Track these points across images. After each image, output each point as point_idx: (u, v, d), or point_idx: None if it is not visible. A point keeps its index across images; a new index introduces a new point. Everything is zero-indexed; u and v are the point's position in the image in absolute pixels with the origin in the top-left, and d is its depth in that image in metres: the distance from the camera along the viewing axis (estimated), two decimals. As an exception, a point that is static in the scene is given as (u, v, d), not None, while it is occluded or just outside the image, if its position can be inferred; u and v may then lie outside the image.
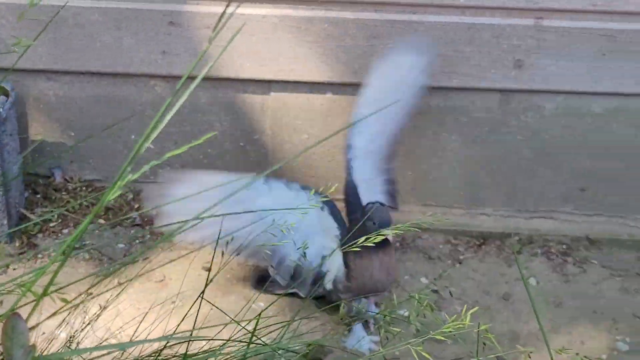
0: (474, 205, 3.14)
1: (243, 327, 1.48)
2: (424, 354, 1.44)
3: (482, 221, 3.12)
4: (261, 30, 2.86)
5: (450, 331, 1.46)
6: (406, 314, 2.73)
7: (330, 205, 2.58)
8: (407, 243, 3.08)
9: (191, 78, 2.81)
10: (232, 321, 1.49)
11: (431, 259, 3.02)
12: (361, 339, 2.60)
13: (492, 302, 2.86)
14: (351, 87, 2.93)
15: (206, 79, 2.93)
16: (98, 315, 2.00)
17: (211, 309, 1.74)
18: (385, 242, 2.50)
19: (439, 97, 2.97)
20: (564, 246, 3.10)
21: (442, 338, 1.45)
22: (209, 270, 2.85)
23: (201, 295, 1.44)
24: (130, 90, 3.01)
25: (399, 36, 2.87)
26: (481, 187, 3.11)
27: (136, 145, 1.06)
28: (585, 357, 1.43)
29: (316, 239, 2.55)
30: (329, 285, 2.60)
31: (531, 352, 1.47)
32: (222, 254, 1.98)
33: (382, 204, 2.54)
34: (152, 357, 1.43)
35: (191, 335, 1.37)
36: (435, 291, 2.88)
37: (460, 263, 3.02)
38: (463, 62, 2.89)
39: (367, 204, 2.55)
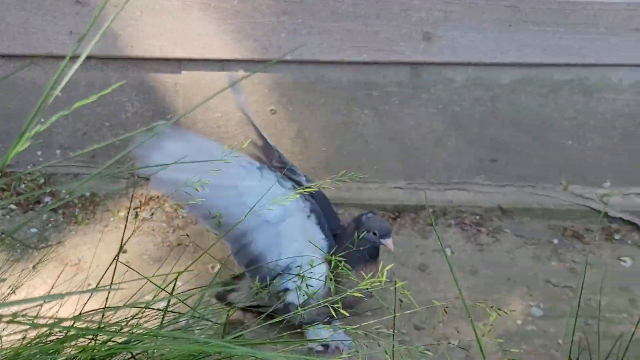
0: (388, 179, 3.16)
1: (162, 289, 1.47)
2: (340, 310, 1.45)
3: (396, 194, 3.15)
4: (171, 8, 2.83)
5: (367, 288, 1.47)
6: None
7: (317, 214, 2.41)
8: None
9: (101, 59, 2.79)
10: (149, 281, 1.48)
11: (347, 233, 3.04)
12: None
13: (408, 273, 2.89)
14: (262, 64, 2.93)
15: (116, 58, 2.91)
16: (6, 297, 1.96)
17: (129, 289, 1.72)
18: (377, 254, 2.43)
19: (349, 72, 2.98)
20: (477, 217, 3.15)
21: (359, 295, 1.46)
22: (125, 251, 2.84)
23: (116, 258, 1.42)
24: (37, 72, 2.96)
25: (308, 14, 2.87)
26: (394, 160, 3.13)
27: (28, 124, 1.04)
28: (499, 309, 1.46)
29: (293, 246, 2.37)
30: (293, 299, 2.37)
31: (447, 307, 1.49)
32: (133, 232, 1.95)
33: (374, 213, 2.47)
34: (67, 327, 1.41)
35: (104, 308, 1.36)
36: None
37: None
38: (372, 36, 2.90)
39: (362, 215, 2.46)
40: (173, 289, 1.29)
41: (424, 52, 2.94)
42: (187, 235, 2.91)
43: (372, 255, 2.37)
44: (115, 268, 1.63)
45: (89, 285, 2.63)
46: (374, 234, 2.35)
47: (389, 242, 2.36)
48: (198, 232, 2.97)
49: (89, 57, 2.92)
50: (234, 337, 1.37)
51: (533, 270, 2.97)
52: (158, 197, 3.08)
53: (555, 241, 3.10)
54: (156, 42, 2.88)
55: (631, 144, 3.13)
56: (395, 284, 1.50)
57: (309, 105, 3.02)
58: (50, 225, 2.98)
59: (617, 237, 3.14)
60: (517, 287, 2.88)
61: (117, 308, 1.25)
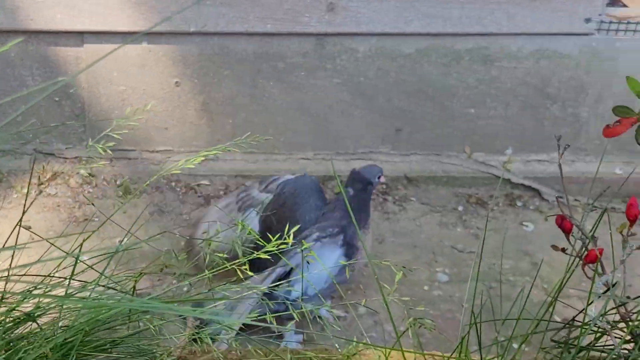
0: (295, 150, 3.17)
1: (68, 254, 1.45)
2: (247, 271, 1.47)
3: (304, 165, 3.16)
4: (70, -20, 2.79)
5: (275, 251, 1.49)
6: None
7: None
8: (230, 190, 3.09)
9: (5, 32, 2.72)
10: (52, 245, 1.46)
11: (255, 205, 3.05)
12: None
13: (316, 242, 2.92)
14: (166, 36, 2.90)
15: (16, 32, 2.85)
16: None
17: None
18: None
19: (255, 43, 2.98)
20: (384, 186, 3.18)
21: (267, 257, 1.48)
22: (29, 228, 2.79)
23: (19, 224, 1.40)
24: None
25: (212, -17, 2.86)
26: (301, 132, 3.14)
27: None
28: (404, 267, 1.49)
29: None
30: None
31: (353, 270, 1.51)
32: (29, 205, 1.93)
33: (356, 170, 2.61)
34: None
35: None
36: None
37: (284, 207, 3.06)
38: (277, 6, 2.90)
39: (351, 171, 2.61)
40: (77, 258, 1.28)
41: (328, 23, 2.95)
42: (93, 204, 2.88)
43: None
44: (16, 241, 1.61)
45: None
46: (378, 178, 2.60)
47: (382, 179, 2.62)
48: (104, 207, 2.94)
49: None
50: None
51: (439, 237, 3.03)
52: (62, 172, 3.04)
53: (460, 208, 3.16)
54: (56, 15, 2.83)
55: (531, 111, 3.20)
56: (302, 247, 1.52)
57: (214, 77, 3.01)
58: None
59: (519, 203, 3.22)
60: (423, 254, 2.93)
61: (27, 266, 1.24)
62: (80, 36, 2.90)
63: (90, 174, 3.05)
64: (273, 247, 1.50)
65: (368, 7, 2.94)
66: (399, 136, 3.19)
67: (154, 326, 1.29)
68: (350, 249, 2.48)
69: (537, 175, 3.23)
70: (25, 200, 1.98)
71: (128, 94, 2.99)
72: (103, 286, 1.48)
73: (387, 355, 1.59)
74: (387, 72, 3.08)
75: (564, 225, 1.21)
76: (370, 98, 3.12)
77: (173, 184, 3.08)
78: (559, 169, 1.24)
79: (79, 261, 1.25)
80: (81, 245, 1.34)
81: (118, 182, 3.04)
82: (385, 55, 3.05)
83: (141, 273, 1.39)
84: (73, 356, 1.12)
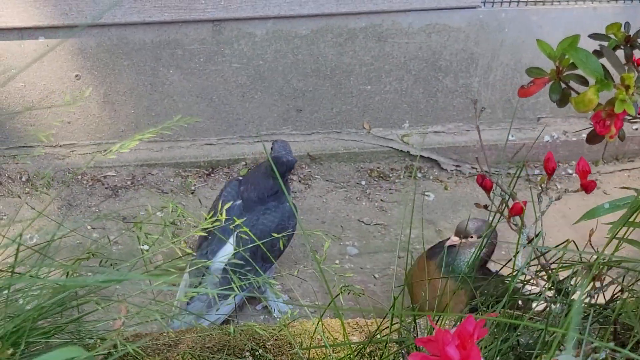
0: (199, 136, 3.21)
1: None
2: (185, 249, 1.51)
3: (209, 151, 3.20)
4: (-38, -23, 2.76)
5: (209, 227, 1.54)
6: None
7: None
8: (137, 180, 3.11)
9: None
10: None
11: (164, 192, 3.07)
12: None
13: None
14: (63, 30, 2.90)
15: None
16: None
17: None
18: None
19: (152, 32, 3.00)
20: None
21: (204, 234, 1.53)
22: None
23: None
24: None
25: (106, -26, 2.86)
26: (203, 117, 3.18)
27: None
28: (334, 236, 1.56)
29: None
30: None
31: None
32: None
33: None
34: None
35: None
36: (173, 223, 2.94)
37: (192, 193, 3.09)
38: (173, -5, 2.93)
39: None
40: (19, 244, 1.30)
41: (225, 9, 2.99)
42: None
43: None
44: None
45: None
46: (288, 156, 2.59)
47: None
48: (11, 205, 2.93)
49: None
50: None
51: (345, 211, 3.11)
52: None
53: (363, 182, 3.25)
54: (-50, 14, 2.80)
55: (425, 85, 3.31)
56: (234, 223, 1.58)
57: (114, 68, 3.02)
58: None
59: (419, 174, 3.33)
60: (332, 229, 3.01)
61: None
62: (-26, 34, 2.88)
63: (-6, 173, 3.02)
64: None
65: (260, -9, 2.99)
66: (300, 116, 3.26)
67: (94, 310, 1.33)
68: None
69: (434, 146, 3.35)
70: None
71: (28, 90, 2.98)
72: (36, 277, 1.50)
73: (316, 324, 1.66)
74: (285, 54, 3.14)
75: (485, 183, 1.29)
76: (269, 80, 3.17)
77: (79, 177, 3.08)
78: (478, 133, 1.32)
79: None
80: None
81: (23, 179, 3.03)
82: (282, 37, 3.11)
83: (78, 259, 1.42)
84: (22, 343, 1.15)
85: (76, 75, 3.00)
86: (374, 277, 2.84)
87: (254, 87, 3.17)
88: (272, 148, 2.62)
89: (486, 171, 1.29)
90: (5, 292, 1.21)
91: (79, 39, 2.95)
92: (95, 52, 2.98)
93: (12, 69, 2.93)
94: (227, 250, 2.43)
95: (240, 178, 2.67)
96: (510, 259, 1.32)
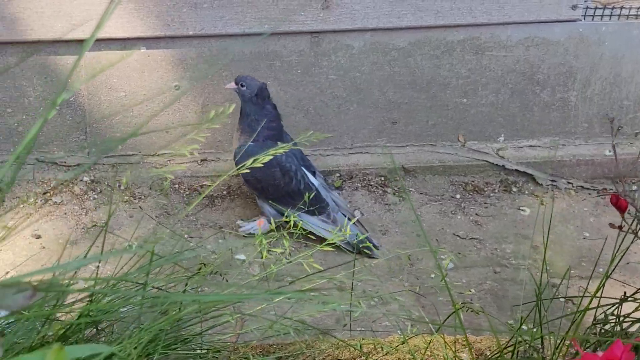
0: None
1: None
2: (313, 264, 1.51)
3: (303, 161, 3.21)
4: (69, -11, 2.81)
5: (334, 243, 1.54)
6: (242, 257, 2.82)
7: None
8: (233, 190, 3.13)
9: (4, 44, 2.75)
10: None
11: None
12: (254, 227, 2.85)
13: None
14: (164, 41, 2.94)
15: (15, 43, 2.87)
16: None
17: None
18: None
19: (251, 44, 3.02)
20: (382, 178, 3.24)
21: (330, 249, 1.53)
22: (39, 237, 2.81)
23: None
24: None
25: (207, -14, 2.89)
26: (298, 128, 3.18)
27: None
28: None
29: None
30: None
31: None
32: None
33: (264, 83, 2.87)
34: None
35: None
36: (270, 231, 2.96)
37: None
38: (273, 6, 2.95)
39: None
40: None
41: (323, 21, 3.00)
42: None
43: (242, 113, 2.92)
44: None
45: (7, 273, 2.60)
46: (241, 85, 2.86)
47: (229, 85, 2.88)
48: (110, 212, 2.97)
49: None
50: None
51: (440, 225, 3.09)
52: (67, 180, 3.06)
53: (458, 196, 3.22)
54: (56, 24, 2.85)
55: (521, 99, 3.27)
56: (357, 237, 1.57)
57: (212, 78, 3.05)
58: (-44, 215, 2.93)
59: (514, 188, 3.29)
60: (427, 242, 2.98)
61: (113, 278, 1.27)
62: (79, 44, 2.92)
63: (93, 181, 3.07)
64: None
65: (362, 4, 2.99)
66: (394, 128, 3.25)
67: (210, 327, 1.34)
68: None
69: (530, 161, 3.31)
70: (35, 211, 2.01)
71: (128, 99, 3.02)
72: (157, 288, 1.52)
73: (428, 342, 1.65)
74: (381, 66, 3.14)
75: (620, 203, 1.27)
76: (365, 92, 3.17)
77: (176, 186, 3.11)
78: (613, 151, 1.29)
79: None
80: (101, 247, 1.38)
81: (122, 187, 3.07)
82: (379, 49, 3.11)
83: (200, 269, 1.43)
84: (157, 353, 1.16)
85: (175, 86, 3.03)
86: (471, 291, 2.81)
87: (350, 99, 3.17)
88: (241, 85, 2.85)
89: (620, 191, 1.26)
90: (137, 302, 1.22)
91: (180, 49, 2.98)
92: (195, 62, 3.01)
93: (114, 78, 2.98)
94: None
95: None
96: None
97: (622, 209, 1.26)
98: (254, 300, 1.57)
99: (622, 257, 1.42)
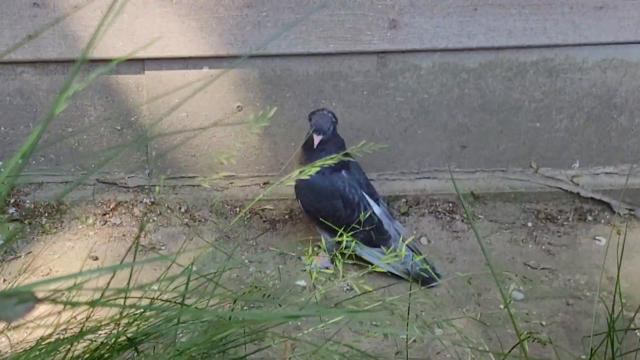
0: (359, 171, 3.12)
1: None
2: (364, 286, 1.42)
3: (369, 186, 3.11)
4: (131, 6, 2.76)
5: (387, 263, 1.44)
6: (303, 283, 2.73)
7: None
8: (295, 214, 3.05)
9: (61, 62, 2.71)
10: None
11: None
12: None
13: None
14: (227, 60, 2.87)
15: (77, 61, 2.82)
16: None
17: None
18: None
19: (316, 63, 2.94)
20: (450, 204, 3.13)
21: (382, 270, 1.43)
22: (96, 259, 2.76)
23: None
24: (-6, 79, 2.88)
25: (273, 6, 2.82)
26: (364, 152, 3.09)
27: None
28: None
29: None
30: None
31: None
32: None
33: (328, 111, 2.77)
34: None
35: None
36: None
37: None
38: (338, 25, 2.87)
39: (317, 110, 2.78)
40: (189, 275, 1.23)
41: (390, 41, 2.91)
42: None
43: (309, 145, 2.75)
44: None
45: (63, 294, 2.54)
46: (311, 126, 2.71)
47: (315, 138, 2.70)
48: (170, 235, 2.91)
49: (47, 62, 2.85)
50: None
51: (510, 254, 2.96)
52: (126, 202, 3.01)
53: (530, 224, 3.09)
54: (118, 42, 2.81)
55: (598, 123, 3.13)
56: (412, 259, 1.47)
57: (276, 99, 2.97)
58: (17, 236, 2.89)
59: (589, 217, 3.15)
60: (495, 272, 2.85)
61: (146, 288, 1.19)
62: (140, 63, 2.88)
63: (154, 202, 3.01)
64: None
65: (431, 23, 2.89)
66: (464, 153, 3.13)
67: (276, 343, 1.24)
68: None
69: (606, 188, 3.16)
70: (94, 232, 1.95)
71: (190, 120, 2.96)
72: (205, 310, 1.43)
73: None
74: (451, 88, 3.03)
75: None
76: (433, 115, 3.06)
77: (237, 209, 3.04)
78: None
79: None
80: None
81: (182, 210, 3.01)
82: (449, 70, 3.00)
83: (252, 289, 1.33)
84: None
85: (238, 107, 2.97)
86: (541, 324, 2.67)
87: (417, 122, 3.06)
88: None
89: None
90: (174, 324, 1.13)
91: (242, 69, 2.92)
92: (258, 83, 2.94)
93: (176, 98, 2.93)
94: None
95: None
96: None
97: None
98: (304, 322, 1.47)
99: None
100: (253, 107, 2.97)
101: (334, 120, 2.72)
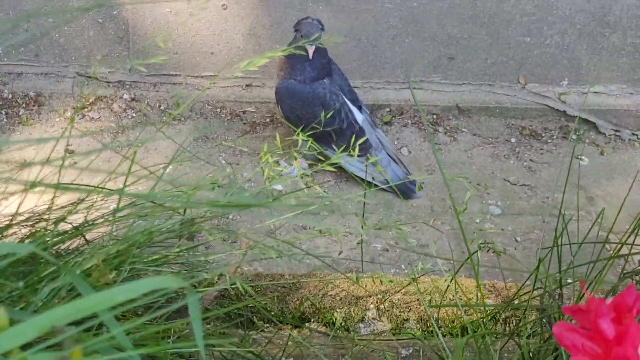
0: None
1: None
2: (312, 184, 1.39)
3: (353, 93, 3.07)
4: None
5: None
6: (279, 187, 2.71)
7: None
8: (276, 118, 3.01)
9: None
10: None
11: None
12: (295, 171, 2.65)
13: (365, 172, 2.83)
14: (213, -44, 2.81)
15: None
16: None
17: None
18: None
19: (304, -36, 2.88)
20: (434, 116, 3.09)
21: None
22: (72, 152, 2.74)
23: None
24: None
25: None
26: (350, 59, 3.04)
27: None
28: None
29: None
30: None
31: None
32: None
33: (313, 19, 2.68)
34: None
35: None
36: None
37: (332, 136, 2.97)
38: None
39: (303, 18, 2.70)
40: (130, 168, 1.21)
41: (381, -56, 2.83)
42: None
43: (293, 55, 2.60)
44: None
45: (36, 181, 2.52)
46: (301, 36, 2.61)
47: (309, 49, 2.60)
48: (148, 132, 2.88)
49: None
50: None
51: (491, 168, 2.93)
52: (106, 97, 2.97)
53: (513, 140, 3.06)
54: None
55: (589, 41, 3.08)
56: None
57: (262, 0, 2.91)
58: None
59: (574, 136, 3.11)
60: (475, 187, 2.83)
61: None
62: (125, -46, 2.81)
63: (133, 99, 2.97)
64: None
65: None
66: (451, 65, 3.08)
67: (207, 242, 1.22)
68: None
69: (594, 108, 3.12)
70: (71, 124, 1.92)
71: (172, 16, 2.90)
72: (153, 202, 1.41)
73: (449, 282, 1.52)
74: (441, -3, 2.96)
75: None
76: (422, 24, 3.00)
77: (218, 110, 3.00)
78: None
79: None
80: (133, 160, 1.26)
81: (162, 108, 2.97)
82: (440, -21, 2.93)
83: (195, 187, 1.31)
84: (126, 270, 1.05)
85: (223, 5, 2.91)
86: (516, 240, 2.66)
87: (406, 30, 3.00)
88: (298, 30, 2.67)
89: None
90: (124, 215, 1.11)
91: (229, -34, 2.85)
92: (244, -19, 2.88)
93: (159, -7, 2.87)
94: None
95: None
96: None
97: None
98: (255, 215, 1.45)
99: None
100: (238, 6, 2.91)
101: (321, 28, 2.66)
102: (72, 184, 1.55)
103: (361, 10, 2.95)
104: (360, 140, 2.69)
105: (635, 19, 3.02)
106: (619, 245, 1.42)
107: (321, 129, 2.59)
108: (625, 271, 1.49)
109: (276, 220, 1.34)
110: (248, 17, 2.94)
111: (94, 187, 1.26)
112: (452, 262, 2.30)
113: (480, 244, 1.54)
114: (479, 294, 1.44)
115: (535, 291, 1.28)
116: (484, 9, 2.99)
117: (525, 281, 1.36)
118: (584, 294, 0.99)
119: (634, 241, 1.39)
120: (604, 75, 3.13)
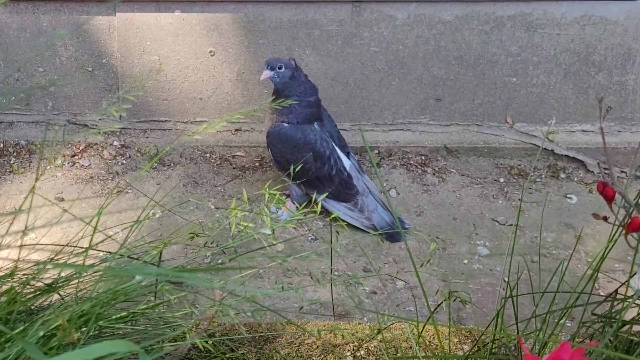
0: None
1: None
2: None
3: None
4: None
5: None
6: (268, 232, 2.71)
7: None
8: (266, 162, 3.04)
9: (32, 1, 2.66)
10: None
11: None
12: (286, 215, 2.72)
13: (353, 215, 2.85)
14: (200, 4, 2.84)
15: (47, 0, 2.80)
16: None
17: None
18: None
19: (290, 10, 2.91)
20: (423, 157, 3.11)
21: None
22: (62, 200, 2.76)
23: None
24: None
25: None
26: (337, 101, 3.07)
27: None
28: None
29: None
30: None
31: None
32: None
33: (292, 59, 2.70)
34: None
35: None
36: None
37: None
38: (312, -27, 2.83)
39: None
40: (95, 227, 1.22)
41: (366, -10, 2.87)
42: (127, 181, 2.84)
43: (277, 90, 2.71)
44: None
45: (27, 235, 2.54)
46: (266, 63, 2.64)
47: (264, 72, 2.63)
48: (137, 178, 2.90)
49: (18, 0, 2.82)
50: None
51: (479, 209, 2.94)
52: (96, 144, 3.00)
53: (502, 180, 3.07)
54: (88, -17, 2.78)
55: (575, 80, 3.10)
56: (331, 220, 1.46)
57: (249, 46, 2.94)
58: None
59: (562, 174, 3.12)
60: (463, 227, 2.84)
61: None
62: (112, 5, 2.85)
63: (123, 145, 3.00)
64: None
65: (406, -27, 2.85)
66: (438, 106, 3.11)
67: (174, 298, 1.23)
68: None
69: (582, 146, 3.13)
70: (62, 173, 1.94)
71: (162, 63, 2.94)
72: (127, 257, 1.43)
73: (419, 330, 1.53)
74: (426, 40, 2.99)
75: (606, 192, 1.13)
76: (408, 67, 3.03)
77: (207, 155, 3.03)
78: (602, 135, 1.15)
79: (96, 231, 1.19)
80: (99, 212, 1.28)
81: (152, 154, 3.00)
82: (424, 22, 2.96)
83: (165, 243, 1.33)
84: (90, 329, 1.07)
85: (210, 52, 2.94)
86: (504, 280, 2.67)
87: (392, 73, 3.04)
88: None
89: (609, 176, 1.12)
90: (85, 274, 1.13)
91: (215, 14, 2.89)
92: (231, 28, 2.91)
93: (148, 41, 2.90)
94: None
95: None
96: (625, 282, 1.15)
97: (608, 198, 1.12)
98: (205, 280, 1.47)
99: (608, 250, 1.28)
100: (226, 52, 2.95)
101: (293, 64, 2.66)
102: (37, 244, 1.58)
103: (347, 54, 2.99)
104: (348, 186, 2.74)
105: (619, 58, 3.05)
106: (577, 294, 1.43)
107: (310, 175, 2.62)
108: (583, 320, 1.51)
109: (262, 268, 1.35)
110: (235, 63, 2.97)
111: (63, 245, 1.28)
112: (431, 304, 2.31)
113: (449, 293, 1.55)
114: (450, 343, 1.45)
115: (496, 341, 1.29)
116: (469, 50, 3.01)
117: (483, 332, 1.37)
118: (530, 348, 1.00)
119: (591, 290, 1.40)
120: (591, 113, 3.15)
